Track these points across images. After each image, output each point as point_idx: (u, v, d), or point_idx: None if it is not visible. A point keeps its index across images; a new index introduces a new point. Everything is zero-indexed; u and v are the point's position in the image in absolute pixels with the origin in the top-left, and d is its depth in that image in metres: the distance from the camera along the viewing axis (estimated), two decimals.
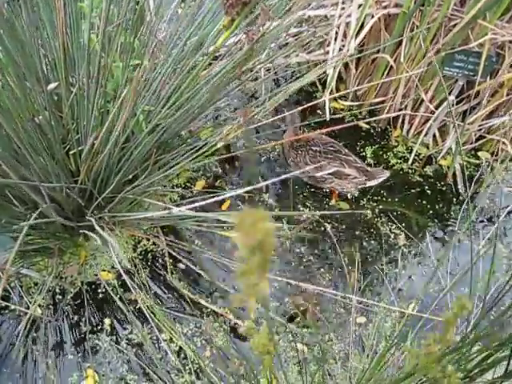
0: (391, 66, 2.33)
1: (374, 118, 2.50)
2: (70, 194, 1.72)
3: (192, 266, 2.00)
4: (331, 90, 2.26)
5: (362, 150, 2.52)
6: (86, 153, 1.65)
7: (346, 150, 2.24)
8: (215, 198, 1.28)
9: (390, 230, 2.25)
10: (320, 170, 2.20)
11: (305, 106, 1.75)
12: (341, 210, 2.29)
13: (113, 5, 1.65)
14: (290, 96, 2.27)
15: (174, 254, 2.00)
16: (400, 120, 2.53)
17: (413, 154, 2.47)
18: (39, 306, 1.92)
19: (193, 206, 1.33)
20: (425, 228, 2.29)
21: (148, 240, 2.04)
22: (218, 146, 1.43)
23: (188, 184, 2.28)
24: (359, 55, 2.28)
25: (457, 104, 2.40)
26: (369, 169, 2.22)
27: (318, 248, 2.16)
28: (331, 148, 2.21)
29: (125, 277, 1.58)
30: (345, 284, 2.05)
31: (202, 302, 1.94)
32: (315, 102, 1.84)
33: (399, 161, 2.50)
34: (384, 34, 2.26)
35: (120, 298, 1.92)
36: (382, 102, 2.49)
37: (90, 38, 1.62)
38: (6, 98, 1.47)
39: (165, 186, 2.08)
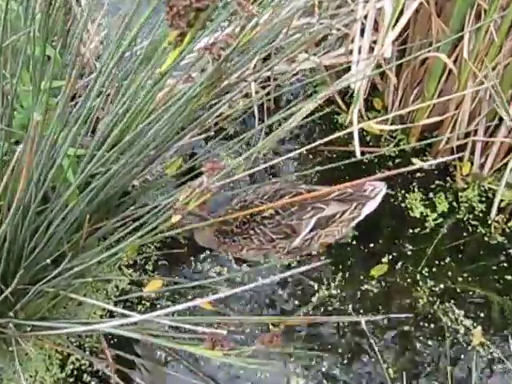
0: (450, 70, 2.32)
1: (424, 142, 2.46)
2: None
3: None
4: (361, 110, 2.24)
5: (409, 197, 2.50)
6: None
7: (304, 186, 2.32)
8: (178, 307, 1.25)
9: (458, 321, 2.20)
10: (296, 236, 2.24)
11: (318, 143, 1.73)
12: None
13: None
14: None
15: (124, 370, 1.96)
16: (469, 150, 2.50)
17: (496, 203, 2.44)
18: None
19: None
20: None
21: (82, 354, 2.01)
22: (173, 220, 1.39)
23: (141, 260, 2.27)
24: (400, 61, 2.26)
25: None
26: (350, 190, 2.26)
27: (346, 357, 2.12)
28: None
29: None
30: None
31: None
32: (334, 136, 1.80)
33: (471, 212, 2.48)
34: (437, 23, 2.26)
35: None
36: (440, 123, 2.47)
37: None
38: None
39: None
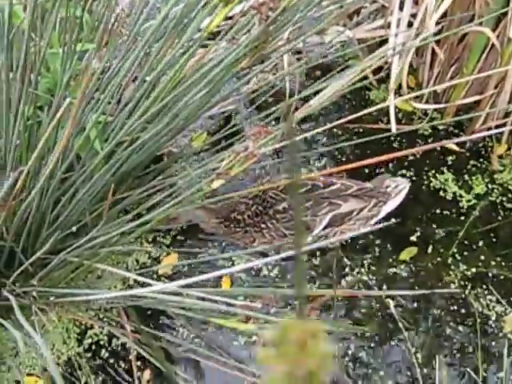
0: (491, 46, 2.29)
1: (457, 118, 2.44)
2: None
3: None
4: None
5: (441, 178, 2.47)
6: (4, 191, 1.62)
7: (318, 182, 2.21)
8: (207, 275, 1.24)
9: (489, 306, 2.19)
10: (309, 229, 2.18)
11: (349, 118, 1.71)
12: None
13: None
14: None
15: (142, 348, 1.95)
16: (507, 131, 2.47)
17: None
18: None
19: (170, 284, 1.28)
20: None
21: (102, 325, 2.01)
22: (214, 185, 1.39)
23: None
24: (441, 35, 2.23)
25: None
26: (368, 185, 2.24)
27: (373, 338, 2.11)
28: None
29: None
30: None
31: None
32: (367, 111, 1.77)
33: (505, 195, 2.46)
34: None
35: None
36: (477, 103, 2.44)
37: (12, 12, 1.60)
38: None
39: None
